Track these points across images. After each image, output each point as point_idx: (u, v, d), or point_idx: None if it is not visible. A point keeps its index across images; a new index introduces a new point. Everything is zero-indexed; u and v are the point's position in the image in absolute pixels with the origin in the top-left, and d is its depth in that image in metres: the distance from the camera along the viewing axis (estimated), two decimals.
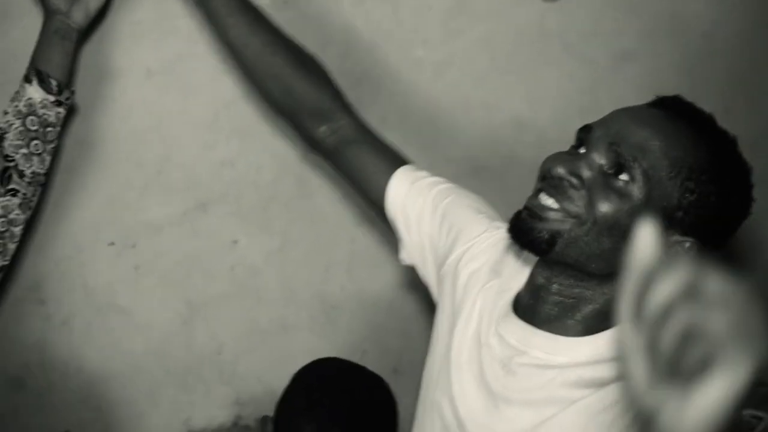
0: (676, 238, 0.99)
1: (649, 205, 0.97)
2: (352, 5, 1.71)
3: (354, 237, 1.85)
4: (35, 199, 1.38)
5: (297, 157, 1.77)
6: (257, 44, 1.37)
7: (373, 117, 1.70)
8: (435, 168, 1.75)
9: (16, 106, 1.30)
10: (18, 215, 1.33)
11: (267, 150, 1.76)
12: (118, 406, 1.81)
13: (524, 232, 1.00)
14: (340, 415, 1.43)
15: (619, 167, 0.98)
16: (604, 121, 1.03)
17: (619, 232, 0.97)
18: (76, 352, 1.76)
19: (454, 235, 1.22)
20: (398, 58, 1.76)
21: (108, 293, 1.75)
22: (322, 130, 1.38)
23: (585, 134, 1.03)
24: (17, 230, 1.35)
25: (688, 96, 1.46)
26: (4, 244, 1.33)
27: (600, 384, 0.98)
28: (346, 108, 1.42)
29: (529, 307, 1.08)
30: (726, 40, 1.90)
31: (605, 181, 0.98)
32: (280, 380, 1.83)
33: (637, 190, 0.97)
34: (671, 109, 1.04)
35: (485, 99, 1.83)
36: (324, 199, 1.82)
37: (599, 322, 1.03)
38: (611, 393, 0.95)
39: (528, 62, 1.82)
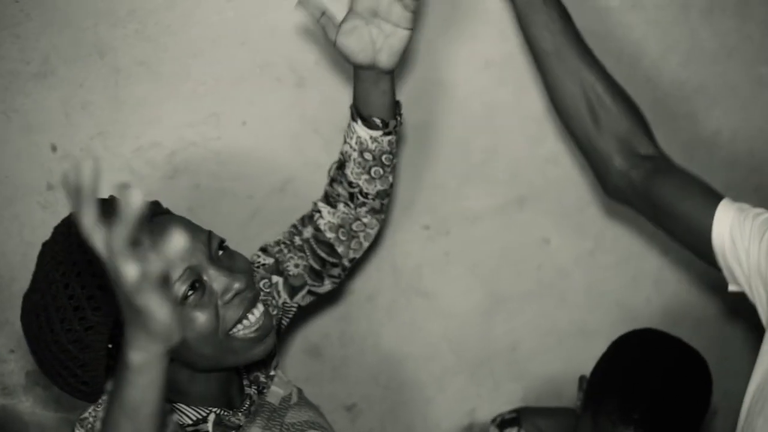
0: None
1: None
2: (701, 15, 2.10)
3: (667, 249, 2.35)
4: (384, 207, 1.71)
5: None
6: (573, 56, 1.66)
7: (705, 131, 2.22)
8: (763, 189, 2.28)
9: (350, 142, 1.61)
10: (369, 220, 1.70)
11: None
12: (407, 387, 2.33)
13: None
14: (653, 384, 1.84)
15: None
16: None
17: None
18: (375, 329, 2.27)
19: None
20: (740, 73, 2.15)
21: (415, 275, 2.24)
22: (627, 162, 1.67)
23: None
24: (372, 231, 1.72)
25: None
26: (360, 242, 1.77)
27: None
28: (654, 138, 1.69)
29: None
30: None
31: None
32: (570, 383, 2.39)
33: None
34: None
35: None
36: None
37: None
38: None
39: None
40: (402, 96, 1.83)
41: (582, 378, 1.95)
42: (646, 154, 1.70)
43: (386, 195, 1.72)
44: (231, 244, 1.56)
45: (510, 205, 2.22)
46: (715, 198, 1.61)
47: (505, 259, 2.26)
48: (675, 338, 1.94)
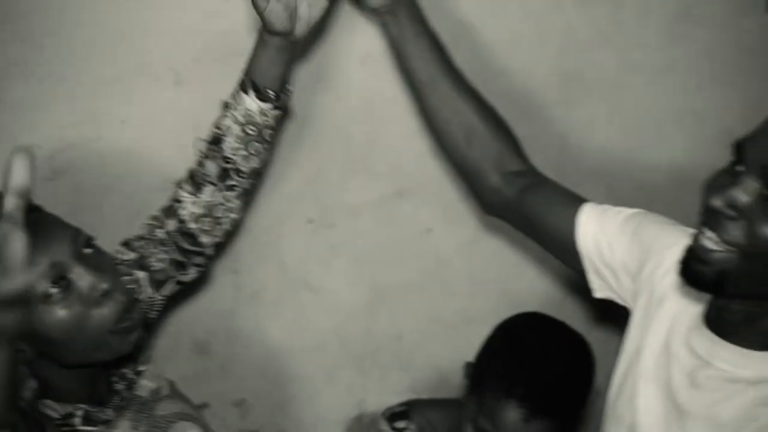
0: None
1: None
2: (574, 4, 2.24)
3: None
4: (254, 188, 1.86)
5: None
6: (446, 85, 1.75)
7: (581, 117, 2.38)
8: (637, 174, 2.50)
9: (234, 114, 1.66)
10: (237, 204, 1.76)
11: None
12: (295, 381, 2.44)
13: (691, 277, 1.28)
14: (536, 362, 1.99)
15: None
16: (755, 137, 1.25)
17: None
18: (262, 324, 2.38)
19: (646, 249, 1.54)
20: (615, 60, 2.30)
21: (301, 269, 2.35)
22: (500, 180, 1.76)
23: (739, 151, 1.25)
24: (236, 217, 1.77)
25: None
26: (224, 229, 1.85)
27: None
28: (524, 156, 1.79)
29: (716, 319, 1.34)
30: None
31: (764, 205, 1.19)
32: (456, 371, 2.53)
33: None
34: None
35: (697, 108, 2.51)
36: None
37: None
38: None
39: (748, 74, 2.46)
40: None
41: (467, 364, 2.09)
42: (517, 170, 1.79)
43: (258, 175, 1.84)
44: (115, 244, 1.66)
45: (391, 197, 2.34)
46: (579, 204, 1.70)
47: (388, 250, 2.38)
48: (558, 321, 2.09)
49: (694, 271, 1.28)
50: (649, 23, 2.30)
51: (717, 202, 1.24)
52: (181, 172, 2.08)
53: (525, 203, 1.76)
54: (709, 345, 1.37)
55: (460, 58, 2.16)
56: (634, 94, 2.31)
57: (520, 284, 2.43)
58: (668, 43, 2.32)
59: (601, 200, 1.91)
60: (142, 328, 1.60)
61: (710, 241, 1.26)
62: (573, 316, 2.40)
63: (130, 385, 1.73)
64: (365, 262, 2.39)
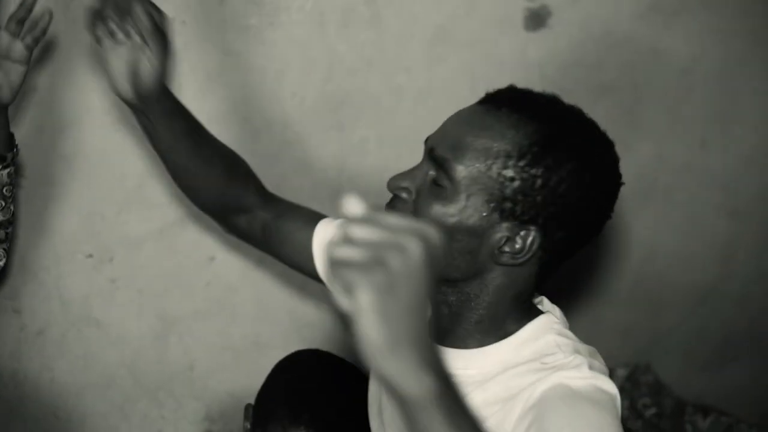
0: (514, 229, 1.27)
1: (471, 200, 1.26)
2: (338, 30, 2.32)
3: None
4: (9, 236, 1.92)
5: (277, 175, 2.52)
6: (188, 147, 1.71)
7: (353, 140, 2.46)
8: None
9: None
10: None
11: None
12: (89, 419, 2.45)
13: None
14: (317, 405, 1.98)
15: (439, 171, 1.27)
16: (437, 131, 1.33)
17: (456, 235, 1.26)
18: (49, 364, 2.39)
19: None
20: (380, 83, 2.38)
21: (83, 305, 2.37)
22: (246, 221, 1.78)
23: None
24: (1, 263, 1.84)
25: (666, 131, 2.23)
26: None
27: (507, 398, 1.25)
28: (267, 196, 1.80)
29: (431, 328, 1.45)
30: (704, 76, 2.60)
31: (430, 188, 1.27)
32: (250, 396, 2.58)
33: (456, 190, 1.26)
34: (496, 101, 1.32)
35: None
36: None
37: (492, 326, 1.34)
38: (517, 404, 1.23)
39: None
40: (51, 124, 1.98)
41: (248, 406, 2.12)
42: (263, 203, 1.81)
43: (9, 224, 1.91)
44: None
45: (172, 227, 2.38)
46: (316, 221, 1.73)
47: (172, 280, 2.42)
48: (333, 354, 2.13)
49: None
50: (410, 47, 2.37)
51: (392, 183, 1.33)
52: None
53: (272, 236, 1.80)
54: None
55: (229, 87, 2.18)
56: (400, 116, 2.38)
57: (306, 306, 2.48)
58: (429, 66, 2.39)
59: None
60: None
61: None
62: None
63: None
64: (150, 293, 2.42)
